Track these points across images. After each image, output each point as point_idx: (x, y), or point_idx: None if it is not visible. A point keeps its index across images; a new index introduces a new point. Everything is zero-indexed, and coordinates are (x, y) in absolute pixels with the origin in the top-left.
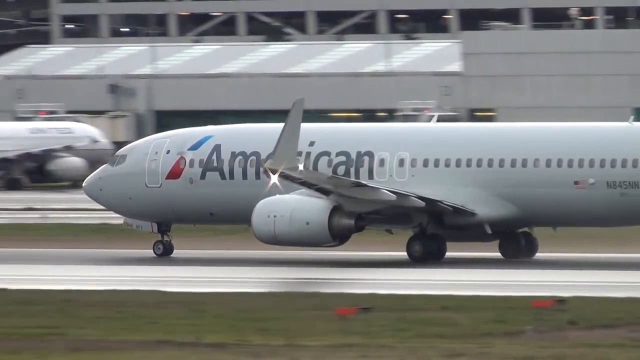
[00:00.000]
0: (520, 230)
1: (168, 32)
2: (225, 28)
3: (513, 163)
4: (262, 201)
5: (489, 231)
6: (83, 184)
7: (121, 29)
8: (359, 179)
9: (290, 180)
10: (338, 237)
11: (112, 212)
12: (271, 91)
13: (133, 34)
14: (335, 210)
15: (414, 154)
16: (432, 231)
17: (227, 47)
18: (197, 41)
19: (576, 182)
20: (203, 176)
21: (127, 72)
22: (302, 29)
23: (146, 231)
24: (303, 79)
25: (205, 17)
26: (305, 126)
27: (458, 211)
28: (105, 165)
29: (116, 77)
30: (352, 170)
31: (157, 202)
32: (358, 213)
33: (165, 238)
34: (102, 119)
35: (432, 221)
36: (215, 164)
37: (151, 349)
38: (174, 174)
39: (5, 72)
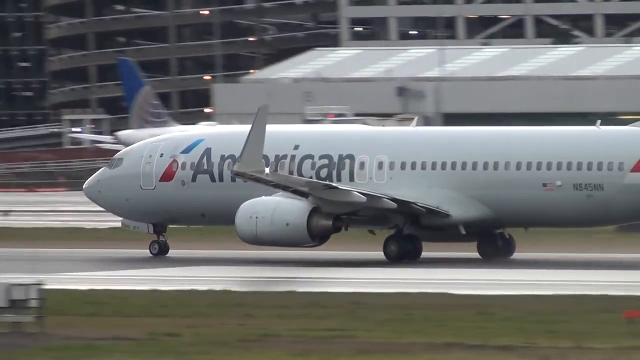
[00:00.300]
0: (498, 231)
1: (456, 34)
2: (513, 31)
3: (485, 166)
4: (245, 203)
5: (463, 232)
6: (83, 186)
7: (409, 32)
8: (340, 181)
9: (264, 183)
10: (317, 237)
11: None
12: (559, 94)
13: (421, 36)
14: (314, 212)
15: (392, 157)
16: (408, 232)
17: (515, 49)
18: (485, 44)
19: (544, 185)
20: (194, 179)
21: (415, 75)
22: (590, 31)
23: (142, 232)
24: (591, 82)
25: (493, 20)
26: (290, 130)
27: (433, 212)
28: (103, 168)
29: (404, 79)
30: (334, 172)
31: (152, 203)
32: (336, 214)
33: (161, 238)
34: (390, 122)
35: (408, 222)
36: (205, 167)
37: (439, 351)
38: (167, 176)
39: (294, 74)
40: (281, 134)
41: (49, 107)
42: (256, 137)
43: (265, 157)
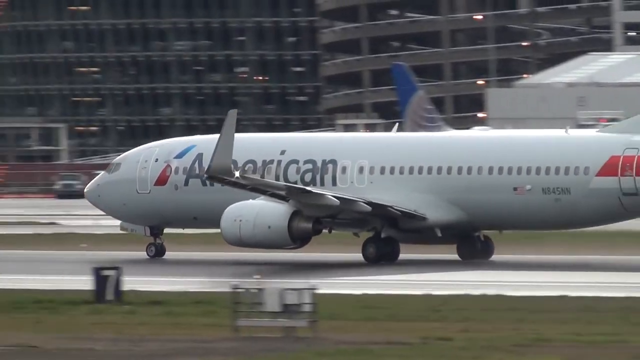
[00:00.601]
0: (477, 233)
1: None
2: None
3: (459, 170)
4: (230, 206)
5: (439, 234)
6: (84, 190)
7: None
8: (323, 185)
9: (240, 187)
10: (298, 239)
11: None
12: None
13: None
14: (295, 215)
15: (372, 162)
16: (387, 234)
17: None
18: None
19: (515, 188)
20: (187, 183)
21: None
22: None
23: (140, 234)
24: None
25: None
26: (277, 136)
27: (410, 215)
28: (103, 172)
29: None
30: (318, 177)
31: (147, 207)
32: (316, 217)
33: (158, 241)
34: None
35: (386, 225)
36: (197, 172)
37: None
38: (161, 180)
39: (567, 79)
40: (269, 139)
41: (322, 111)
42: (225, 141)
43: (234, 162)
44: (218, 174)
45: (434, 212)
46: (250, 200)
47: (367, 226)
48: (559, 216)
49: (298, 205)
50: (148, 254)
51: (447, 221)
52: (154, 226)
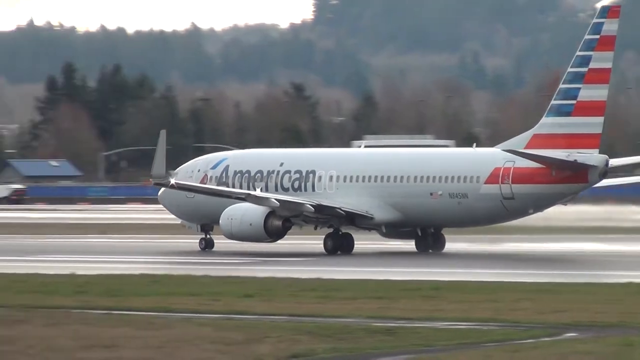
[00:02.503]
0: (432, 230)
1: None
2: None
3: (395, 179)
4: (227, 208)
5: (384, 230)
6: (158, 194)
7: None
8: (307, 190)
9: (197, 192)
10: (273, 234)
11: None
12: None
13: None
14: (270, 215)
15: (339, 172)
16: (345, 231)
17: None
18: None
19: (431, 194)
20: None
21: None
22: None
23: (193, 230)
24: None
25: None
26: (278, 151)
27: (362, 216)
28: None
29: None
30: (303, 184)
31: (192, 209)
32: (285, 217)
33: (207, 235)
34: None
35: (345, 223)
36: (224, 180)
37: None
38: None
39: None
40: (272, 154)
41: None
42: (159, 157)
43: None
44: (157, 181)
45: (380, 213)
46: (241, 203)
47: (328, 224)
48: (461, 216)
49: (273, 207)
50: (200, 247)
51: (389, 220)
52: (204, 224)
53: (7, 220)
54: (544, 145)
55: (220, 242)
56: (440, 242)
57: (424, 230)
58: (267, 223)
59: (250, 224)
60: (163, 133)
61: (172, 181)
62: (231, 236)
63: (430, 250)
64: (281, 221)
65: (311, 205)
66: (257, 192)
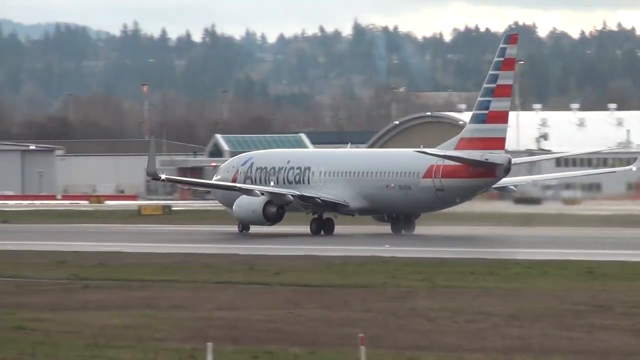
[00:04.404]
0: (403, 215)
1: None
2: None
3: (363, 174)
4: (238, 198)
5: (356, 214)
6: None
7: None
8: (304, 183)
9: (190, 186)
10: (270, 219)
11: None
12: None
13: None
14: (268, 203)
15: (326, 168)
16: (327, 216)
17: None
18: None
19: (387, 186)
20: (244, 183)
21: None
22: None
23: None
24: None
25: None
26: (287, 151)
27: (341, 204)
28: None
29: None
30: (302, 178)
31: (228, 199)
32: (279, 204)
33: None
34: None
35: (328, 209)
36: (249, 174)
37: None
38: (234, 181)
39: None
40: (282, 153)
41: None
42: (151, 156)
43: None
44: (151, 177)
45: (353, 202)
46: (247, 195)
47: (314, 209)
48: (408, 204)
49: (270, 196)
50: (238, 230)
51: (360, 208)
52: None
53: None
54: (467, 147)
55: (254, 228)
56: (411, 226)
57: (397, 216)
58: (265, 210)
59: (253, 211)
60: (152, 138)
61: (163, 176)
62: (240, 220)
63: (402, 232)
64: (276, 208)
65: (292, 195)
66: (243, 185)
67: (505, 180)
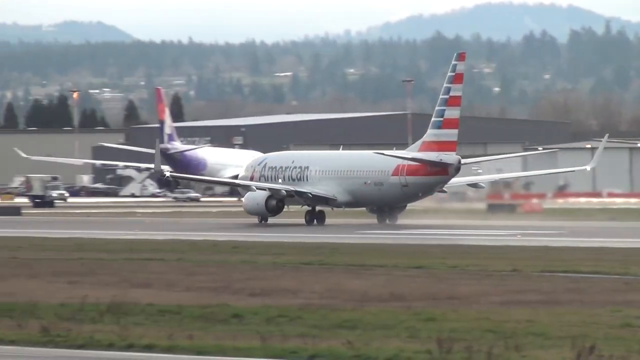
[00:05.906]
0: (387, 208)
1: None
2: None
3: (347, 173)
4: (247, 193)
5: (343, 207)
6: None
7: None
8: (303, 181)
9: (195, 182)
10: (272, 212)
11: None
12: None
13: None
14: (269, 197)
15: (320, 167)
16: (320, 209)
17: None
18: None
19: (365, 183)
20: (260, 181)
21: None
22: None
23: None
24: None
25: None
26: (292, 152)
27: (330, 199)
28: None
29: None
30: (302, 175)
31: (249, 195)
32: (278, 198)
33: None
34: None
35: (320, 203)
36: (263, 173)
37: None
38: (252, 179)
39: None
40: (288, 154)
41: None
42: (156, 157)
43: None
44: (158, 175)
45: (341, 197)
46: (259, 190)
47: (309, 202)
48: (381, 198)
49: (271, 191)
50: (258, 220)
51: (346, 201)
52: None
53: None
54: (428, 149)
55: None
56: (395, 217)
57: (382, 209)
58: (267, 203)
59: (257, 204)
60: (158, 141)
61: (167, 174)
62: (249, 212)
63: (387, 221)
64: (275, 201)
65: (285, 190)
66: (241, 181)
67: (476, 179)
